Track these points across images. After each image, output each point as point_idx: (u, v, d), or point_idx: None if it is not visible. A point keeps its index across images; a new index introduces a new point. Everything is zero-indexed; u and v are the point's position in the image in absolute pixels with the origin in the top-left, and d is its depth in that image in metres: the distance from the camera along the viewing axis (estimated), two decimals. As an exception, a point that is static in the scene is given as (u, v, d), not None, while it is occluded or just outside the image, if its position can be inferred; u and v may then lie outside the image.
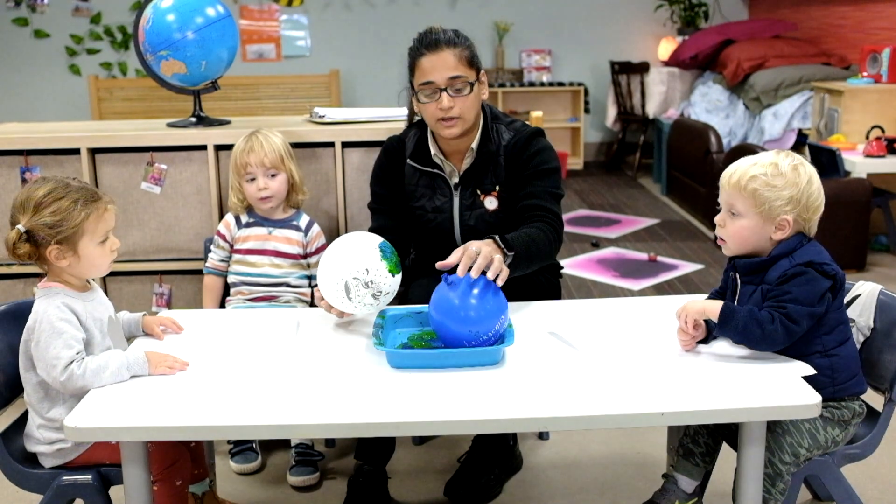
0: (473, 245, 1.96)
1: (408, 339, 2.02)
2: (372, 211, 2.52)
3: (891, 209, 4.89)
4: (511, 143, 2.39)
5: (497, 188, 2.40)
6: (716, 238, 1.99)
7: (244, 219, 2.71)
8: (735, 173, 1.91)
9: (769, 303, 1.84)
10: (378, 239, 2.06)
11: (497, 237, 2.07)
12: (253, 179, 2.64)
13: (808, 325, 1.83)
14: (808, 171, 1.90)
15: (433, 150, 2.41)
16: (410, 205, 2.47)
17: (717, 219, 1.96)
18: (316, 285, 2.71)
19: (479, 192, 2.41)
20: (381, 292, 2.01)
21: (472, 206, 2.41)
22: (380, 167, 2.51)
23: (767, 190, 1.86)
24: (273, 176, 2.64)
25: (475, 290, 1.88)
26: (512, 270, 2.05)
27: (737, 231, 1.92)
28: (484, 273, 1.90)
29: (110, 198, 1.93)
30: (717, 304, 1.85)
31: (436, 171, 2.43)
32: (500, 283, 1.91)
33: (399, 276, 2.04)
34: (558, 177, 2.40)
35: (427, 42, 2.31)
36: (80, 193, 1.86)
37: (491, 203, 2.41)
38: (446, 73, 2.28)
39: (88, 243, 1.87)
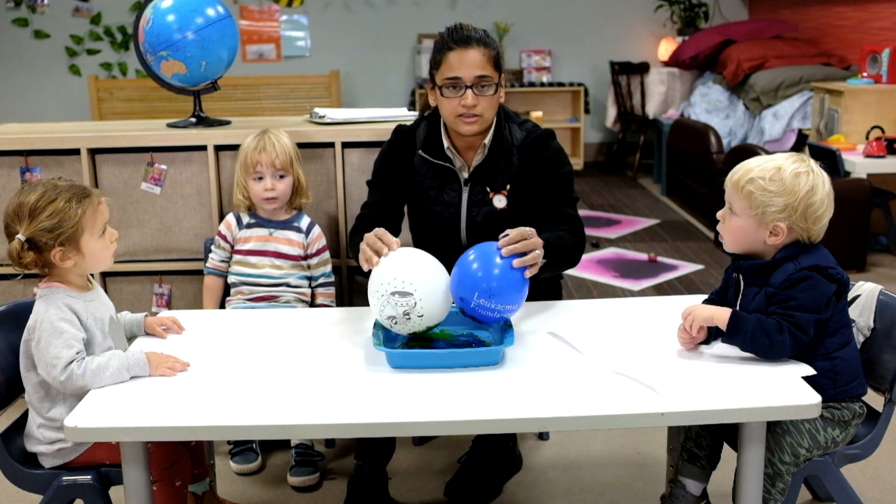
0: (531, 235, 1.97)
1: (408, 338, 2.02)
2: (369, 186, 2.52)
3: (891, 209, 4.89)
4: (526, 142, 2.40)
5: (507, 187, 2.40)
6: (716, 233, 2.00)
7: (245, 219, 2.71)
8: (737, 172, 1.91)
9: (775, 308, 1.83)
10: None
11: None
12: (260, 179, 2.63)
13: (815, 333, 1.82)
14: (812, 181, 1.86)
15: (446, 144, 2.42)
16: (417, 197, 2.47)
17: (718, 213, 1.96)
18: (317, 286, 2.73)
19: (488, 189, 2.41)
20: (396, 322, 1.91)
21: (481, 203, 2.42)
22: (388, 147, 2.51)
23: (761, 194, 1.85)
24: (281, 178, 2.64)
25: (501, 266, 1.91)
26: (540, 273, 2.08)
27: (732, 229, 1.92)
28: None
29: (100, 191, 1.94)
30: (726, 313, 1.84)
31: (446, 164, 2.43)
32: (526, 273, 1.95)
33: (407, 335, 1.98)
34: (573, 181, 2.43)
35: (458, 37, 2.31)
36: (70, 191, 1.85)
37: (500, 202, 2.41)
38: (474, 70, 2.28)
39: (90, 238, 1.87)
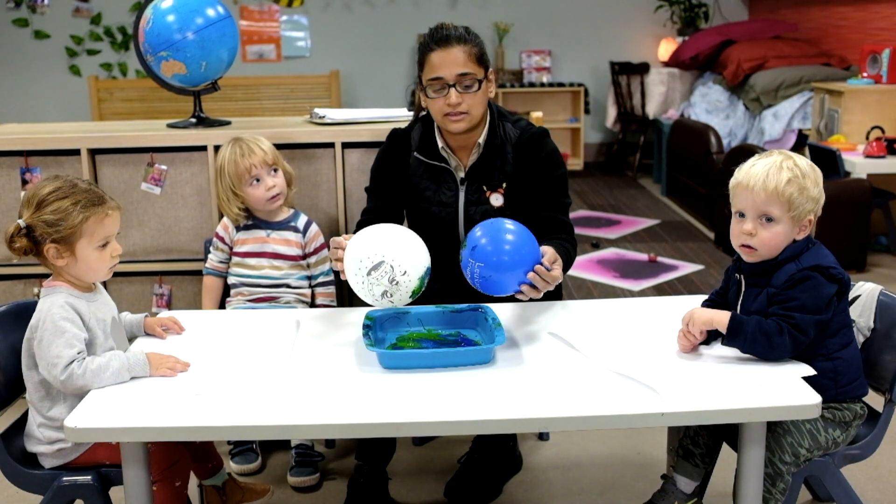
0: (559, 278, 1.99)
1: (396, 339, 2.02)
2: (367, 192, 2.54)
3: (891, 209, 4.89)
4: (520, 140, 2.41)
5: (504, 185, 2.41)
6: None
7: (242, 221, 2.70)
8: (769, 180, 1.85)
9: (776, 308, 1.83)
10: (428, 260, 2.03)
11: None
12: (258, 181, 2.62)
13: (815, 334, 1.82)
14: (816, 166, 1.91)
15: (440, 144, 2.42)
16: (415, 198, 2.48)
17: (745, 228, 1.88)
18: (316, 285, 2.73)
19: (485, 187, 2.42)
20: (391, 295, 1.95)
21: (478, 202, 2.42)
22: (383, 152, 2.52)
23: (799, 193, 1.84)
24: (275, 171, 2.64)
25: (513, 270, 1.92)
26: None
27: (772, 237, 1.87)
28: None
29: (116, 203, 1.93)
30: (725, 316, 1.84)
31: (442, 164, 2.43)
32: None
33: (411, 299, 2.01)
34: (567, 183, 2.44)
35: (438, 38, 2.31)
36: (83, 195, 1.86)
37: (497, 200, 2.41)
38: (455, 69, 2.29)
39: (86, 246, 1.87)
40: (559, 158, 2.42)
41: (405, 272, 1.93)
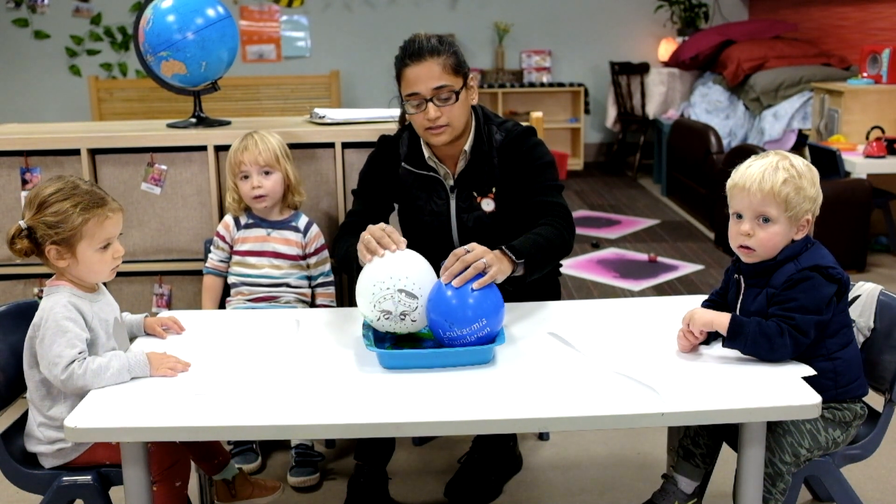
0: (470, 249, 1.94)
1: (396, 339, 2.02)
2: (354, 195, 2.53)
3: (891, 209, 4.89)
4: (503, 142, 2.40)
5: (493, 189, 2.40)
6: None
7: (243, 220, 2.71)
8: (765, 180, 1.85)
9: (775, 309, 1.83)
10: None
11: (505, 248, 2.02)
12: (246, 178, 2.64)
13: (815, 335, 1.82)
14: (813, 166, 1.91)
15: (427, 154, 2.41)
16: (407, 207, 2.48)
17: (743, 229, 1.88)
18: (316, 285, 2.73)
19: (475, 194, 2.41)
20: (389, 321, 1.92)
21: (470, 209, 2.41)
22: (373, 158, 2.52)
23: (796, 192, 1.84)
24: (267, 174, 2.64)
25: (446, 295, 1.89)
26: (529, 274, 2.07)
27: (770, 238, 1.87)
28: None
29: (118, 205, 1.92)
30: (725, 318, 1.84)
31: (431, 174, 2.43)
32: (475, 286, 1.90)
33: (392, 336, 2.00)
34: (555, 170, 2.40)
35: (410, 52, 2.28)
36: (84, 197, 1.86)
37: (488, 205, 2.40)
38: (430, 83, 2.25)
39: (87, 248, 1.86)
40: (543, 149, 2.40)
41: (415, 321, 1.93)
